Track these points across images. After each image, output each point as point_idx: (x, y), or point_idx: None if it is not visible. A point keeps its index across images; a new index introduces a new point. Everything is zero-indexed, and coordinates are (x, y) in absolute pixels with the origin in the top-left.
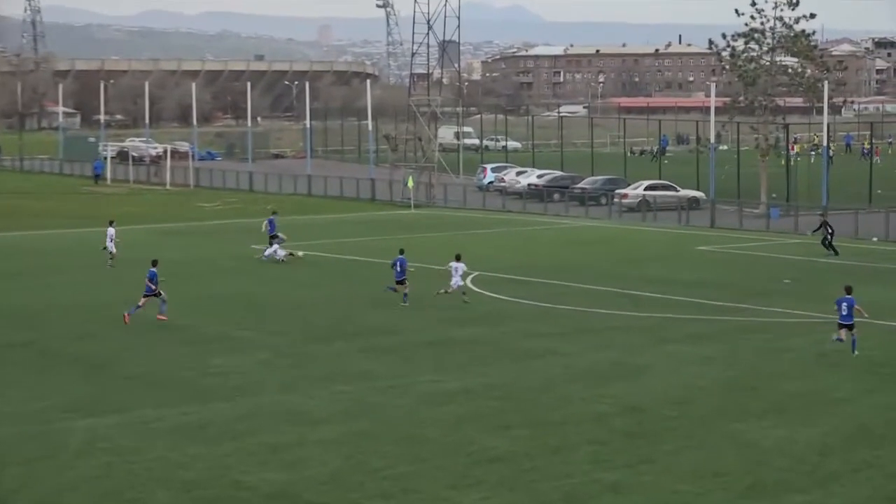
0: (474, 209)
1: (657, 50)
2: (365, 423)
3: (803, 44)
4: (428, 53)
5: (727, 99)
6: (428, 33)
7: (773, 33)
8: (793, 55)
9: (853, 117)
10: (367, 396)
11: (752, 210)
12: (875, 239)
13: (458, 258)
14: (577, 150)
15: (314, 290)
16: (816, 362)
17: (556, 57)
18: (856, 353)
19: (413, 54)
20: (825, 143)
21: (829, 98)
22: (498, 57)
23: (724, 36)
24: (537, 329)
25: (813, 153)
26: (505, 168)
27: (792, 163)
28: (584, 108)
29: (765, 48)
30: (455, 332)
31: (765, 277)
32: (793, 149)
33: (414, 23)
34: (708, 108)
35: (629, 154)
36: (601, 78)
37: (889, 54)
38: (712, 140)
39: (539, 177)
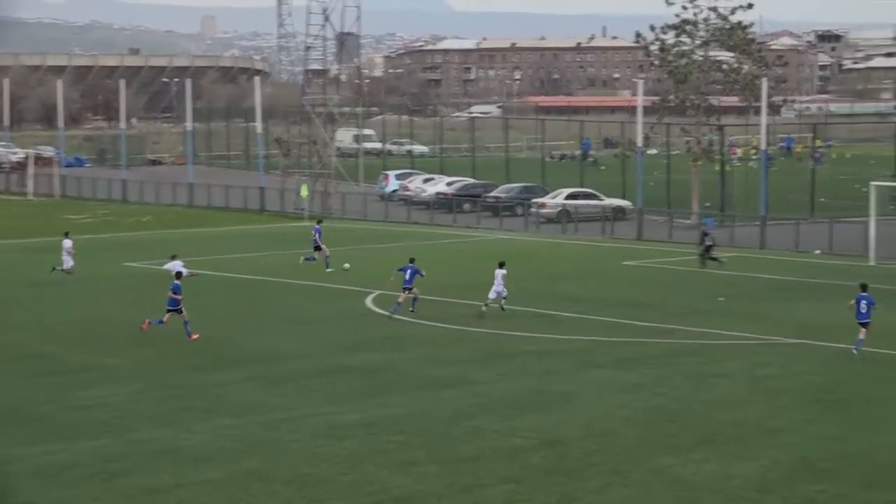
0: (376, 221)
1: (579, 44)
2: (253, 462)
3: (740, 37)
4: (324, 47)
5: (656, 98)
6: (324, 25)
7: (706, 25)
8: (728, 49)
9: (794, 118)
10: (255, 431)
11: (684, 220)
12: (818, 252)
13: (501, 265)
14: (490, 154)
15: (194, 313)
16: (753, 388)
17: (467, 51)
18: (858, 352)
19: (307, 48)
20: (763, 147)
21: (768, 97)
22: (402, 51)
23: (652, 28)
24: (445, 354)
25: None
26: (410, 175)
27: (727, 168)
28: (499, 107)
29: (697, 42)
30: (353, 359)
31: (697, 295)
32: (735, 153)
33: (308, 13)
34: (635, 108)
35: (548, 159)
36: (517, 75)
37: (833, 48)
38: (639, 143)
39: (448, 184)
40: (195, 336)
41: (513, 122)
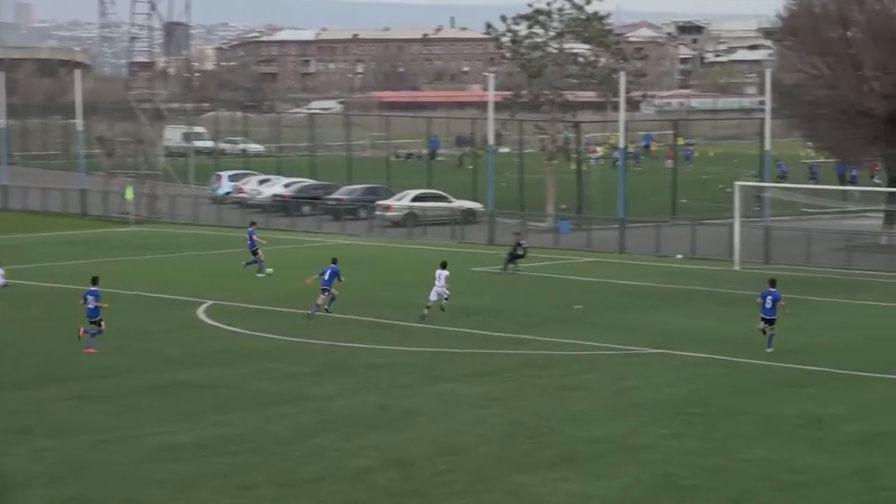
0: (207, 225)
1: (425, 35)
2: (74, 487)
3: (596, 28)
4: (151, 38)
5: (508, 93)
6: (151, 13)
7: (560, 16)
8: (584, 42)
9: (654, 114)
10: (76, 453)
11: (538, 224)
12: (679, 256)
13: (443, 265)
14: (331, 154)
15: (8, 326)
16: (613, 402)
17: (305, 43)
18: (770, 349)
19: (132, 39)
20: (622, 145)
21: (627, 92)
22: (236, 42)
23: (503, 18)
24: (284, 368)
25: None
26: (245, 176)
27: (584, 168)
28: (340, 103)
29: (551, 33)
30: (185, 374)
31: (553, 303)
32: (595, 151)
33: (133, 1)
34: (486, 104)
35: (393, 158)
36: (359, 68)
37: (695, 40)
38: (491, 141)
39: (286, 186)
40: (93, 350)
41: (355, 118)
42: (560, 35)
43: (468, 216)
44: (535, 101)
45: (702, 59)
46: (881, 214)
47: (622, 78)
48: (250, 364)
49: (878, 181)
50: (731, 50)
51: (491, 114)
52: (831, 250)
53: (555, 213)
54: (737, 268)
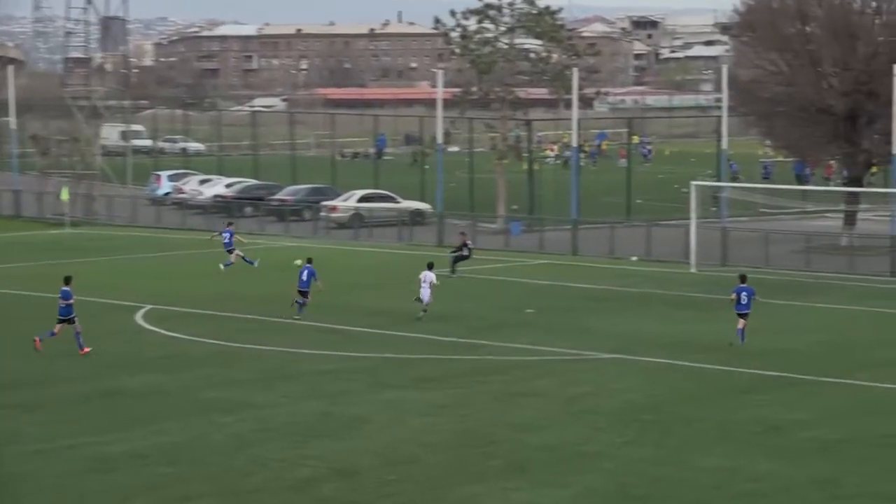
0: (146, 227)
1: (372, 30)
2: (6, 500)
3: (548, 23)
4: (87, 33)
5: (457, 90)
6: (87, 8)
7: (511, 10)
8: (536, 37)
9: (608, 111)
10: (7, 465)
11: (489, 225)
12: (634, 258)
13: (429, 266)
14: (274, 153)
15: None
16: (566, 409)
17: (247, 38)
18: (743, 342)
19: (68, 34)
20: (574, 143)
21: (580, 89)
22: (175, 37)
23: (452, 13)
24: (225, 375)
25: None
26: (185, 176)
27: (536, 167)
28: (283, 101)
29: (502, 28)
30: (123, 382)
31: (504, 307)
32: (552, 150)
33: None
34: (434, 101)
35: (339, 158)
36: (304, 64)
37: (650, 36)
38: (439, 140)
39: (228, 186)
40: (87, 350)
41: (299, 116)
42: (511, 30)
43: (416, 217)
44: (486, 99)
45: (657, 54)
46: (841, 215)
47: (575, 74)
48: (190, 371)
49: (832, 183)
50: (687, 45)
51: (440, 111)
52: (790, 252)
53: (506, 214)
54: (693, 270)
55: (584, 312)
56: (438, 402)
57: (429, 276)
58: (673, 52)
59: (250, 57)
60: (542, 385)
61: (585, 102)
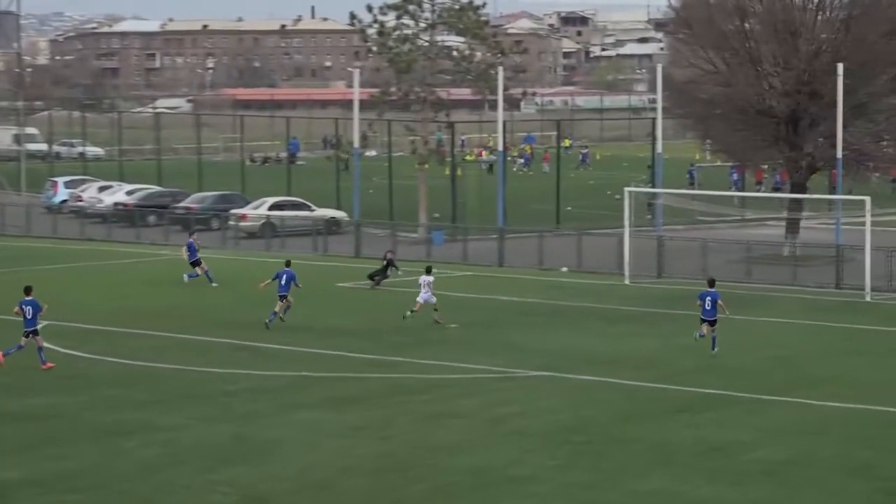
0: (41, 237)
1: (283, 26)
2: None
3: (471, 19)
4: None
5: (375, 90)
6: None
7: (432, 5)
8: (458, 34)
9: (536, 113)
10: None
11: (410, 234)
12: (564, 269)
13: (428, 271)
14: (179, 157)
15: None
16: (493, 430)
17: (149, 34)
18: (715, 350)
19: None
20: (500, 147)
21: (505, 89)
22: (72, 34)
23: (369, 8)
24: (128, 396)
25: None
26: (83, 182)
27: (459, 173)
28: (189, 102)
29: (422, 24)
30: (17, 404)
31: (427, 322)
32: (481, 154)
33: None
34: (350, 102)
35: (249, 163)
36: (210, 63)
37: (579, 33)
38: (356, 144)
39: (129, 193)
40: (49, 365)
41: (206, 118)
42: (432, 26)
43: (332, 226)
44: (405, 100)
45: (587, 53)
46: (783, 223)
47: (500, 73)
48: (90, 391)
49: (762, 189)
50: (619, 43)
51: (356, 113)
52: (729, 262)
53: (427, 223)
54: (627, 282)
55: (512, 327)
56: (356, 424)
57: (426, 279)
58: (604, 50)
59: (153, 55)
60: (466, 405)
61: (511, 103)
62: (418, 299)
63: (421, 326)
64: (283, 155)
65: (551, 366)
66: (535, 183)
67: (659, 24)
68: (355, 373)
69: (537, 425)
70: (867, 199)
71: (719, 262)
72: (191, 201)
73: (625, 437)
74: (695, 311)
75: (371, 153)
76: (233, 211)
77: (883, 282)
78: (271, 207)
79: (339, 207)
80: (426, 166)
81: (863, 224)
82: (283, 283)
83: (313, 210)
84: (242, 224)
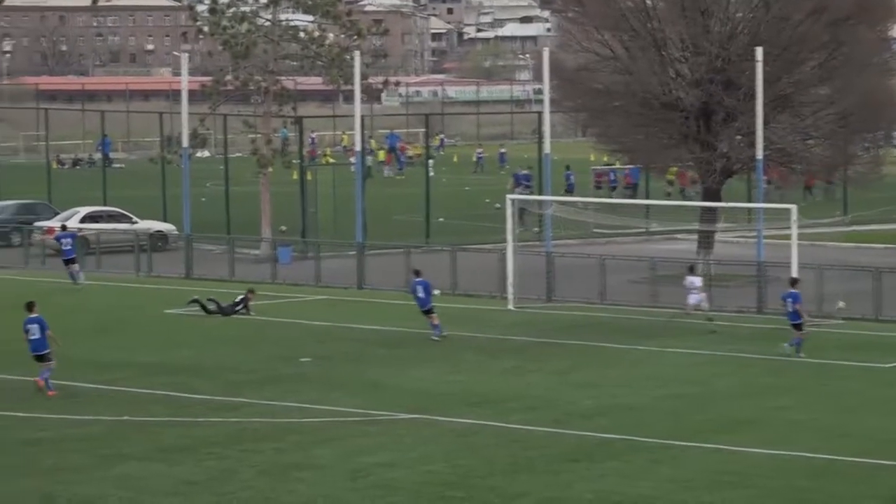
0: None
1: (95, 1)
2: None
3: None
4: None
5: (207, 79)
6: None
7: None
8: (306, 12)
9: (400, 106)
10: None
11: (251, 251)
12: (437, 293)
13: (691, 269)
14: None
15: None
16: (352, 485)
17: None
18: (801, 355)
19: None
20: (358, 146)
21: (364, 77)
22: None
23: None
24: None
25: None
26: None
27: (309, 177)
28: None
29: (262, 1)
30: None
31: (273, 355)
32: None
33: None
34: (178, 93)
35: (56, 165)
36: (7, 46)
37: (450, 10)
38: (185, 143)
39: None
40: (53, 393)
41: (3, 112)
42: (274, 3)
43: (157, 242)
44: (244, 90)
45: (460, 34)
46: (695, 236)
47: (357, 59)
48: None
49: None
50: (498, 23)
51: (185, 106)
52: (632, 283)
53: (272, 238)
54: (511, 307)
55: (375, 362)
56: (189, 478)
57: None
58: (480, 30)
59: None
60: (322, 454)
61: (371, 95)
62: (692, 301)
63: (266, 361)
64: (98, 156)
65: (423, 407)
66: (402, 190)
67: (545, 2)
68: (188, 417)
69: (405, 478)
70: (793, 207)
71: (619, 283)
72: None
73: (509, 492)
74: (589, 340)
75: (204, 154)
76: (38, 223)
77: (813, 305)
78: (84, 219)
79: (165, 219)
80: (270, 170)
81: (789, 237)
82: (423, 295)
83: (135, 222)
84: (49, 239)
